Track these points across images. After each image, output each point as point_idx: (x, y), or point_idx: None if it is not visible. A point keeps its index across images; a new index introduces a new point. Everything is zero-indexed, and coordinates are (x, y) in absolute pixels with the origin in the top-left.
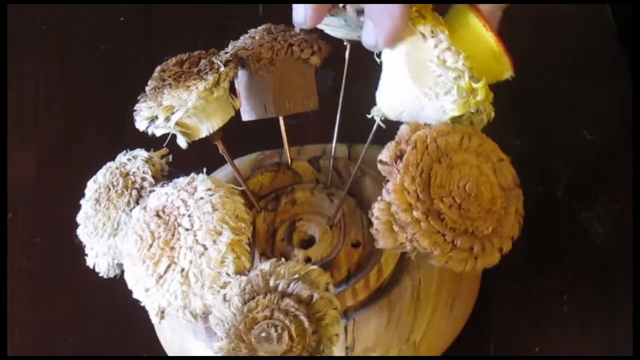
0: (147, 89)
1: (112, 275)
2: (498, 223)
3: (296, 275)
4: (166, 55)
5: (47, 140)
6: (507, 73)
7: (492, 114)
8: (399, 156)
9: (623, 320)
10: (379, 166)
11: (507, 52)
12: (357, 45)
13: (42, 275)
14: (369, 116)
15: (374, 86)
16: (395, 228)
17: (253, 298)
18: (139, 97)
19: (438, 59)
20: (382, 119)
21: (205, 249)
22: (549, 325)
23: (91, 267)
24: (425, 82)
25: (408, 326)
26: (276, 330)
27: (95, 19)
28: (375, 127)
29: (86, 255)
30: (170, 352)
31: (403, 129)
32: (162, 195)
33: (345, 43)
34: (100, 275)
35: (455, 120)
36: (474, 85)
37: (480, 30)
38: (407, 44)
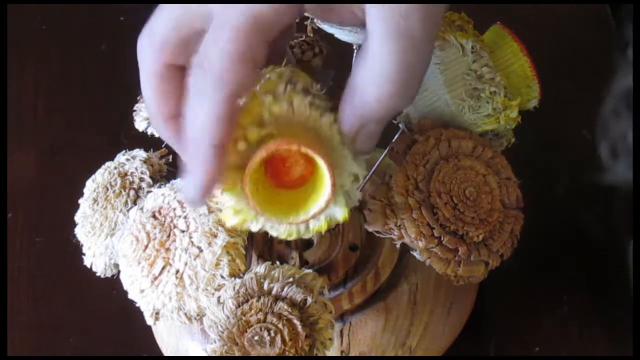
0: None
1: (109, 275)
2: (490, 235)
3: (290, 279)
4: None
5: (47, 140)
6: (534, 101)
7: (512, 140)
8: (410, 146)
9: (623, 320)
10: (390, 154)
11: (539, 80)
12: None
13: (42, 275)
14: (395, 122)
15: None
16: (388, 211)
17: (247, 301)
18: (138, 98)
19: (475, 73)
20: (409, 126)
21: (201, 251)
22: (549, 325)
23: (88, 266)
24: (459, 94)
25: (404, 331)
26: (269, 334)
27: (95, 19)
28: (399, 133)
29: (84, 254)
30: (166, 353)
31: (421, 122)
32: (158, 196)
33: (354, 47)
34: (98, 274)
35: (480, 135)
36: (509, 102)
37: (517, 53)
38: (446, 55)
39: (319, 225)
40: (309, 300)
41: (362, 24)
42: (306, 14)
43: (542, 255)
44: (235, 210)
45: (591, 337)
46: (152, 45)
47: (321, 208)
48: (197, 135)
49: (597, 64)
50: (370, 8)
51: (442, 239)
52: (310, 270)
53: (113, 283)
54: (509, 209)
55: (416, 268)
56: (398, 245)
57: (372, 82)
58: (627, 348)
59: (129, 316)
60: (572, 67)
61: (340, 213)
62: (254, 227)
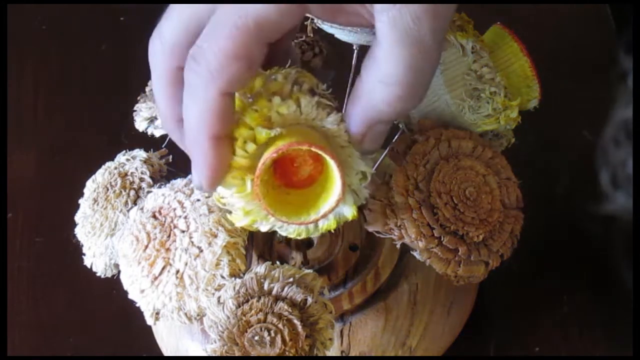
0: (147, 89)
1: (109, 275)
2: (490, 235)
3: (291, 279)
4: None
5: (47, 140)
6: (534, 101)
7: (512, 140)
8: (410, 146)
9: (623, 320)
10: (390, 154)
11: (539, 80)
12: (364, 49)
13: (42, 275)
14: (395, 122)
15: None
16: (388, 211)
17: (247, 301)
18: (138, 98)
19: (475, 73)
20: (409, 126)
21: (201, 251)
22: (549, 325)
23: (88, 266)
24: (459, 94)
25: (404, 331)
26: (269, 334)
27: (95, 19)
28: (399, 133)
29: (84, 254)
30: (166, 353)
31: (421, 122)
32: (159, 196)
33: (354, 47)
34: (98, 274)
35: (480, 135)
36: (509, 102)
37: (517, 53)
38: (446, 55)
39: (328, 224)
40: (309, 300)
41: (368, 25)
42: (310, 15)
43: (542, 255)
44: (245, 211)
45: (591, 337)
46: (163, 48)
47: (332, 207)
48: (192, 128)
49: (597, 64)
50: (378, 11)
51: (442, 239)
52: (310, 271)
53: (113, 283)
54: (509, 209)
55: (416, 268)
56: (398, 245)
57: (380, 85)
58: (627, 348)
59: (129, 316)
60: (572, 67)
61: (349, 211)
62: (264, 228)
